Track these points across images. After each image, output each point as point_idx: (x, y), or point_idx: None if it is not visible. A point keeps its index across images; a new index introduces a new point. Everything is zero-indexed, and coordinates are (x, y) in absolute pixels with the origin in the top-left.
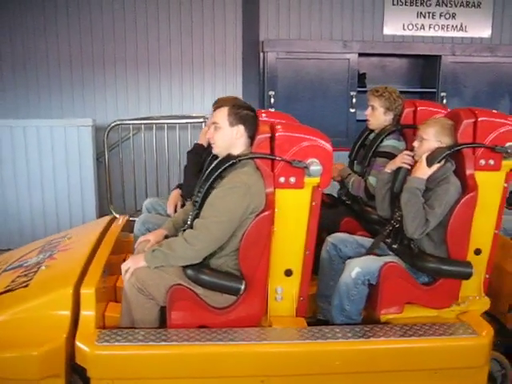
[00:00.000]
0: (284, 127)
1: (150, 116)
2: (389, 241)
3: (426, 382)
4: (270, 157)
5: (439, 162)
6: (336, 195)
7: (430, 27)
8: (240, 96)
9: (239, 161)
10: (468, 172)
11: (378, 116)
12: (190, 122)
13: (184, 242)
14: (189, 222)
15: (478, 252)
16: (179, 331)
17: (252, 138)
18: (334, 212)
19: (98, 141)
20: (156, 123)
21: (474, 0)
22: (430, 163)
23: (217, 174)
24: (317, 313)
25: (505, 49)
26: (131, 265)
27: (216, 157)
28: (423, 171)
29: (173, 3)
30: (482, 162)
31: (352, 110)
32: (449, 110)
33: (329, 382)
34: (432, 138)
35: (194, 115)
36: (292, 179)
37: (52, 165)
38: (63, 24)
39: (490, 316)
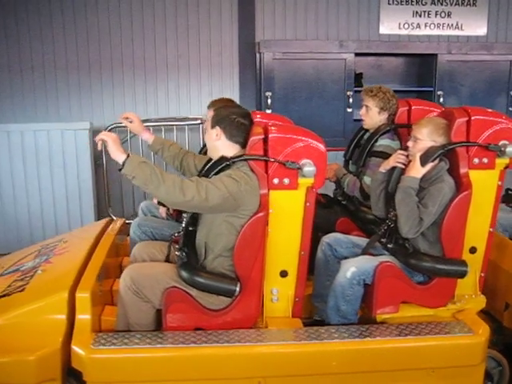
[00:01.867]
0: (277, 128)
1: (148, 118)
2: (384, 240)
3: (423, 381)
4: (264, 158)
5: (433, 161)
6: (332, 195)
7: (425, 26)
8: (237, 97)
9: (233, 163)
10: (462, 171)
11: (372, 116)
12: (188, 124)
13: (177, 184)
14: (183, 225)
15: (473, 250)
16: (175, 333)
17: (239, 142)
18: (330, 212)
19: (95, 144)
20: (153, 125)
21: None
22: (423, 162)
23: (210, 176)
24: (313, 313)
25: (500, 47)
26: (111, 148)
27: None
28: (417, 170)
29: (168, 6)
30: (476, 160)
31: (349, 110)
32: (440, 107)
33: (325, 383)
34: (426, 137)
35: (191, 117)
36: (286, 180)
37: (49, 169)
38: (59, 28)
39: (486, 314)
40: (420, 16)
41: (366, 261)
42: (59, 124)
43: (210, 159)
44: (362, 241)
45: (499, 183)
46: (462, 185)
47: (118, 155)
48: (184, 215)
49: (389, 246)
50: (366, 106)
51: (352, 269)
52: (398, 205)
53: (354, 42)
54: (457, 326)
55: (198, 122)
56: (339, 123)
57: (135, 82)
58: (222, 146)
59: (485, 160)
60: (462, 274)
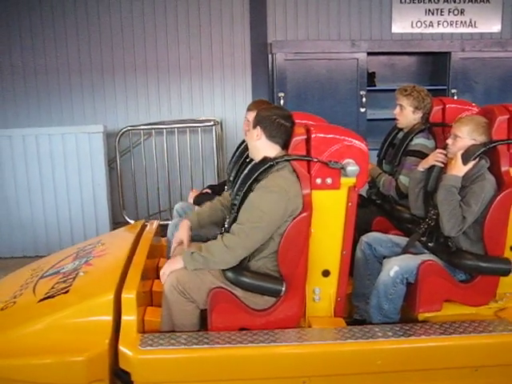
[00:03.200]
0: (319, 129)
1: (161, 121)
2: (424, 239)
3: (466, 380)
4: (307, 158)
5: (474, 159)
6: (365, 195)
7: (438, 24)
8: (250, 98)
9: (276, 163)
10: (503, 168)
11: (406, 115)
12: (201, 126)
13: (223, 247)
14: (226, 225)
15: None
16: (221, 334)
17: (279, 142)
18: (366, 212)
19: (109, 147)
20: (166, 128)
21: None
22: (465, 161)
23: (254, 176)
24: (352, 312)
25: None
26: (170, 269)
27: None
28: (459, 169)
29: (180, 8)
30: None
31: (362, 110)
32: (473, 105)
33: (370, 382)
34: (466, 136)
35: (204, 119)
36: (328, 180)
37: (64, 172)
38: (72, 31)
39: None
40: (433, 14)
41: (409, 259)
42: (73, 127)
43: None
44: (402, 240)
45: None
46: (503, 183)
47: (178, 265)
48: (227, 217)
49: (429, 244)
50: (400, 106)
51: (395, 268)
52: (441, 203)
53: (366, 41)
54: (500, 325)
55: (211, 123)
56: (352, 123)
57: (148, 83)
58: (262, 146)
59: None
60: (507, 272)
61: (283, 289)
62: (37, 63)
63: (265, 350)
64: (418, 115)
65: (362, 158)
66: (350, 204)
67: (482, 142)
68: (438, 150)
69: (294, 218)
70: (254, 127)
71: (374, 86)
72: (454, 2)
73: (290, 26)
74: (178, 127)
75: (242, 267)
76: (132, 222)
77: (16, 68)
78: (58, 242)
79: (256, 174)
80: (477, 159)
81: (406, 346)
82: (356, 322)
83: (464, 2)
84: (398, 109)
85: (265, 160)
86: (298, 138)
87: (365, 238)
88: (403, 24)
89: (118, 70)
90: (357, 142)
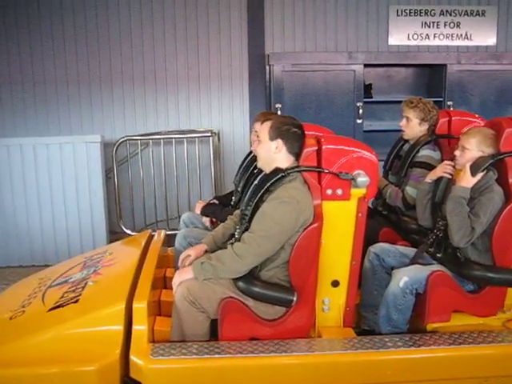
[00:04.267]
0: (329, 140)
1: (158, 131)
2: (432, 250)
3: None
4: (318, 169)
5: (483, 171)
6: (371, 206)
7: (434, 36)
8: (247, 109)
9: (288, 174)
10: (511, 180)
11: (412, 127)
12: (198, 137)
13: (233, 255)
14: (237, 236)
15: None
16: (232, 344)
17: (296, 153)
18: (372, 223)
19: (106, 157)
20: (164, 138)
21: (478, 8)
22: (474, 172)
23: (266, 187)
24: (360, 323)
25: (510, 56)
26: (180, 279)
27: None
28: (468, 180)
29: (179, 19)
30: None
31: (359, 121)
32: (477, 117)
33: None
34: (474, 147)
35: (201, 129)
36: (339, 191)
37: (61, 181)
38: (71, 42)
39: None
40: (429, 27)
41: (418, 270)
42: (71, 137)
43: (261, 170)
44: (409, 250)
45: None
46: (511, 194)
47: (188, 275)
48: (237, 226)
49: (438, 255)
50: (407, 118)
51: (405, 278)
52: (450, 214)
53: (363, 53)
54: (509, 335)
55: (209, 134)
56: (349, 134)
57: (146, 94)
58: (280, 158)
59: None
60: None
61: (295, 299)
62: (35, 73)
63: (276, 360)
64: (424, 127)
65: (371, 169)
66: (359, 215)
67: (489, 154)
68: (445, 162)
69: (306, 229)
70: (273, 139)
71: (371, 97)
72: (450, 15)
73: (287, 37)
74: (175, 137)
75: (253, 277)
76: (129, 231)
77: (14, 78)
78: (55, 251)
79: (268, 185)
80: (485, 171)
81: (416, 356)
82: (364, 332)
83: (460, 15)
84: (404, 121)
85: (276, 171)
86: (309, 150)
87: (372, 249)
88: (400, 36)
89: (116, 79)
90: (367, 153)
